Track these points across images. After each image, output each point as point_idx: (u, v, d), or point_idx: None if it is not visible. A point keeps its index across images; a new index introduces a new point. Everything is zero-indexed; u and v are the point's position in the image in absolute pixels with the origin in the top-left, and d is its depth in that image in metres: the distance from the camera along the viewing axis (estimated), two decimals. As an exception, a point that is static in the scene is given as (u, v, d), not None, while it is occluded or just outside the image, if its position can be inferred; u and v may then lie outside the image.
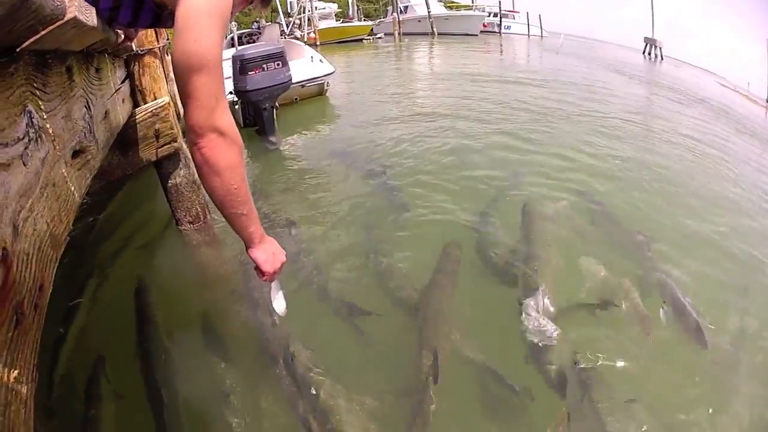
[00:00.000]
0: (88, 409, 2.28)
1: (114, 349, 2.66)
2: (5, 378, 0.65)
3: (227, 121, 1.14)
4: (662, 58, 24.65)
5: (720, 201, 4.62)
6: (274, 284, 1.58)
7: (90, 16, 1.06)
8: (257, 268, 1.43)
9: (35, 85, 0.94)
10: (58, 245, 1.00)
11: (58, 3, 0.85)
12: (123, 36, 2.04)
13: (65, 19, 0.88)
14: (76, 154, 1.29)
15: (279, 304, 1.62)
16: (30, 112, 0.88)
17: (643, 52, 25.81)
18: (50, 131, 1.02)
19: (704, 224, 3.97)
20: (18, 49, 0.81)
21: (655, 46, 25.04)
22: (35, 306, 0.81)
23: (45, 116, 0.99)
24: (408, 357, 2.47)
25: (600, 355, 2.43)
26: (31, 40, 0.81)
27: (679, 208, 4.28)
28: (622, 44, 30.96)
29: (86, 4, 1.05)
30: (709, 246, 3.61)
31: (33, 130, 0.88)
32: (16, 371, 0.69)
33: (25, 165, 0.82)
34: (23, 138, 0.83)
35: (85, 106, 1.47)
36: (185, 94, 1.09)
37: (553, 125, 6.83)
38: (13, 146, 0.78)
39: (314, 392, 2.24)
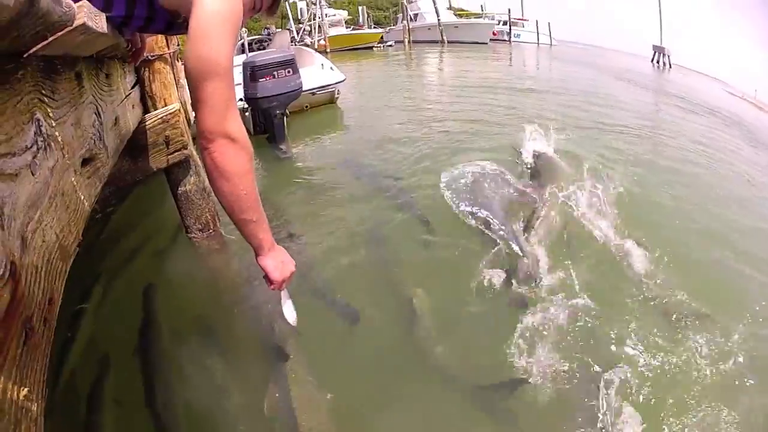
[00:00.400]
0: (91, 413, 2.27)
1: (120, 356, 2.65)
2: (15, 395, 0.63)
3: (238, 127, 1.15)
4: (670, 66, 24.48)
5: (731, 204, 4.69)
6: (283, 293, 1.57)
7: (99, 22, 1.04)
8: (266, 277, 1.41)
9: (44, 92, 0.92)
10: (67, 256, 0.98)
11: (66, 9, 0.83)
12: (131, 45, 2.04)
13: (74, 25, 0.87)
14: (85, 162, 1.28)
15: (289, 313, 1.61)
16: (38, 120, 0.86)
17: (652, 60, 25.66)
18: (59, 139, 0.99)
19: (715, 224, 4.06)
20: (25, 55, 0.79)
21: (664, 54, 24.87)
22: (44, 320, 0.78)
23: (54, 124, 0.97)
24: (404, 366, 2.52)
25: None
26: (39, 46, 0.79)
27: (688, 210, 4.34)
28: (631, 52, 30.80)
29: (95, 9, 1.03)
30: (718, 244, 3.68)
31: (41, 139, 0.86)
32: (25, 389, 0.66)
33: (33, 174, 0.80)
34: (31, 147, 0.80)
35: (95, 113, 1.46)
36: (197, 99, 1.11)
37: (567, 132, 6.80)
38: (21, 155, 0.76)
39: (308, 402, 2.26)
